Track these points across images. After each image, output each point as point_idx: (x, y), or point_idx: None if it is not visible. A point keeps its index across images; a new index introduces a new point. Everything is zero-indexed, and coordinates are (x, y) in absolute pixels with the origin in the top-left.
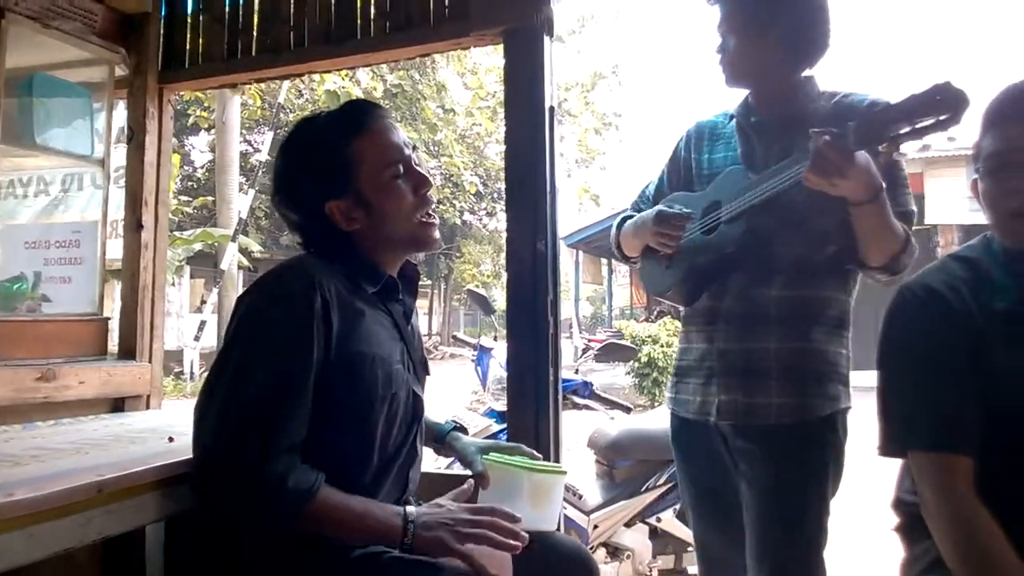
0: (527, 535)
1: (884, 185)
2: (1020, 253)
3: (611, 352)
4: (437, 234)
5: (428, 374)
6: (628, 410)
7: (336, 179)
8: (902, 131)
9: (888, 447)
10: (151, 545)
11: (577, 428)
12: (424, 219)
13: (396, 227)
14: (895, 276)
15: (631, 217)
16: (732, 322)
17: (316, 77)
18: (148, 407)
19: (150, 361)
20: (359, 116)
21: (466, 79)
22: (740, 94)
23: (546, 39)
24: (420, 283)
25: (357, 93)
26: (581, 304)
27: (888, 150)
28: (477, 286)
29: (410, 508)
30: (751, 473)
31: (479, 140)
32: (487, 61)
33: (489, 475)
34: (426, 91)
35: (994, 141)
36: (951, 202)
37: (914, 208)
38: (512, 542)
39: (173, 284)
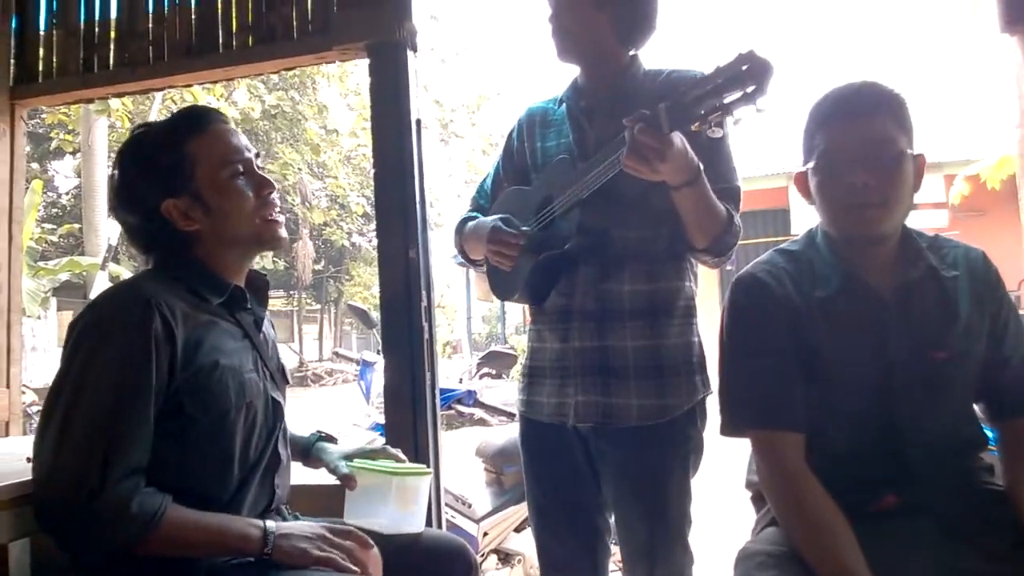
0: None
1: (701, 166)
2: (845, 243)
3: (493, 360)
4: (283, 232)
5: (288, 382)
6: (512, 417)
7: (172, 178)
8: (713, 108)
9: (725, 428)
10: (15, 565)
11: (469, 442)
12: (268, 217)
13: (237, 227)
14: (720, 258)
15: (473, 218)
16: (587, 319)
17: (188, 97)
18: (8, 434)
19: (7, 387)
20: (196, 117)
21: (349, 100)
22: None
23: (410, 53)
24: (309, 308)
25: (233, 114)
26: (476, 323)
27: (700, 129)
28: (367, 306)
29: (268, 521)
30: (614, 474)
31: (365, 161)
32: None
33: (356, 480)
34: (307, 111)
35: (827, 139)
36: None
37: (739, 184)
38: (363, 570)
39: (39, 318)
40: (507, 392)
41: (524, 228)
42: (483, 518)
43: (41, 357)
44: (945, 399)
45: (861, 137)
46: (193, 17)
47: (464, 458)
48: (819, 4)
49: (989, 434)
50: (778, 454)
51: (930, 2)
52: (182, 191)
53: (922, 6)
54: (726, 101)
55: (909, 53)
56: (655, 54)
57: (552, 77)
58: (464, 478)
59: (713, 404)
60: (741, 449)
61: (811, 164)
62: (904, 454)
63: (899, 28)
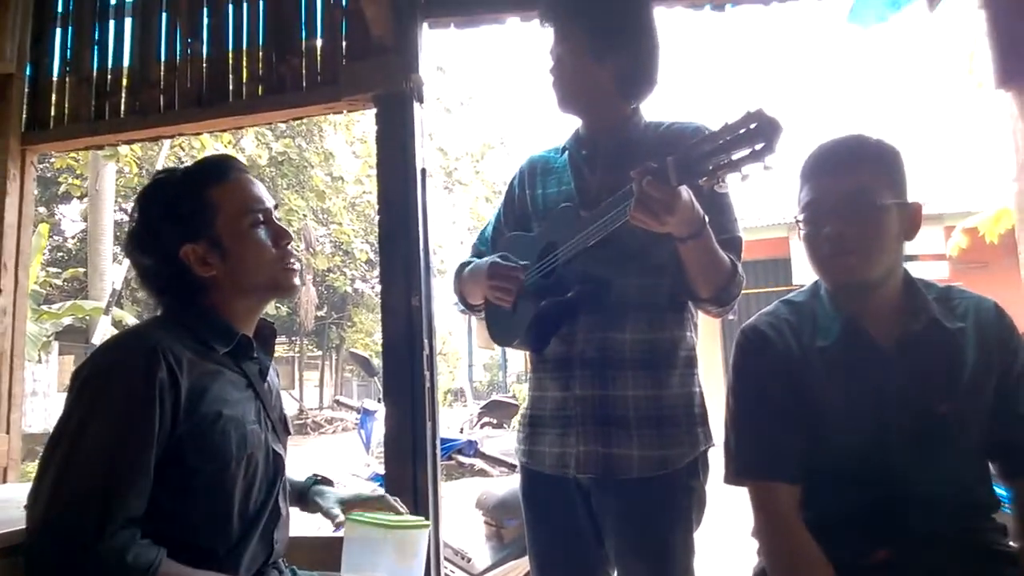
0: None
1: (707, 219)
2: (840, 293)
3: (494, 409)
4: (298, 280)
5: (289, 432)
6: (513, 468)
7: (193, 223)
8: (721, 164)
9: (727, 476)
10: None
11: (469, 493)
12: (284, 266)
13: (255, 275)
14: (724, 308)
15: (471, 263)
16: (587, 367)
17: (197, 144)
18: (5, 480)
19: (8, 432)
20: (219, 166)
21: (355, 148)
22: (571, 126)
23: (416, 105)
24: (311, 355)
25: (241, 159)
26: (478, 371)
27: (708, 184)
28: (368, 353)
29: None
30: (615, 528)
31: (369, 208)
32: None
33: (354, 531)
34: (313, 159)
35: (809, 192)
36: None
37: (740, 234)
38: None
39: (40, 361)
40: (508, 442)
41: (523, 262)
42: (482, 573)
43: (41, 401)
44: (946, 454)
45: (837, 189)
46: (204, 66)
47: (464, 510)
48: (822, 59)
49: (1004, 493)
50: (771, 505)
51: (929, 60)
52: (201, 237)
53: (921, 63)
54: (734, 158)
55: (910, 107)
56: (657, 106)
57: (555, 127)
58: (463, 531)
59: (715, 455)
60: (745, 500)
61: (798, 216)
62: (899, 509)
63: (900, 83)
